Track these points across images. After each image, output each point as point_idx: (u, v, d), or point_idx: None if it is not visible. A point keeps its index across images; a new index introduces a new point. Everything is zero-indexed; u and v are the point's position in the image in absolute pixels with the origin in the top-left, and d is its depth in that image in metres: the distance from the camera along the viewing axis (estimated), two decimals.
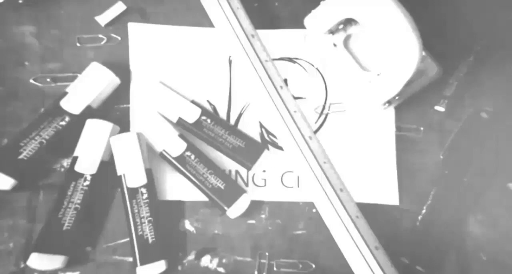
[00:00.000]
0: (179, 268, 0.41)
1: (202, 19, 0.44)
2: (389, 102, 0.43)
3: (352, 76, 0.43)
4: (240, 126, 0.44)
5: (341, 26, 0.43)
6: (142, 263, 0.39)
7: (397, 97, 0.43)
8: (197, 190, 0.42)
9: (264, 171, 0.43)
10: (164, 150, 0.42)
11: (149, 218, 0.39)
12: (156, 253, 0.39)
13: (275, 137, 0.44)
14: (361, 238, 0.40)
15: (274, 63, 0.43)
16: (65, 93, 0.41)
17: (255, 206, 0.42)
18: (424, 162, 0.43)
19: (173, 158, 0.42)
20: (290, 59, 0.45)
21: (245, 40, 0.42)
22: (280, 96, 0.42)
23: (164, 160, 0.42)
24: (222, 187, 0.42)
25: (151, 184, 0.40)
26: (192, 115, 0.42)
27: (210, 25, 0.44)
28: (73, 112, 0.40)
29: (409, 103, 0.44)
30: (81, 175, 0.39)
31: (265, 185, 0.43)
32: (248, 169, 0.43)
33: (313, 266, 0.42)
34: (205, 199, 0.42)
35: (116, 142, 0.40)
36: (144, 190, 0.40)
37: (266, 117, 0.44)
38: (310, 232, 0.42)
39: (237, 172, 0.43)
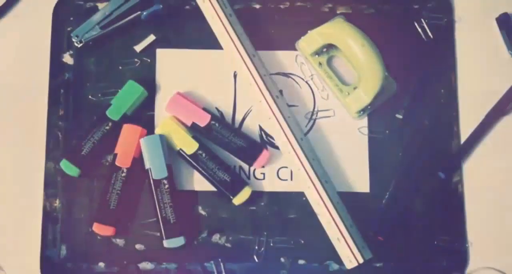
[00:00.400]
0: (195, 243, 0.47)
1: (213, 44, 0.49)
2: (363, 110, 0.49)
3: (334, 89, 0.49)
4: (243, 129, 0.49)
5: (324, 49, 0.49)
6: (166, 238, 0.45)
7: (369, 107, 0.48)
8: (208, 182, 0.47)
9: (263, 166, 0.48)
10: (180, 149, 0.47)
11: (170, 204, 0.45)
12: (177, 230, 0.45)
13: (272, 138, 0.48)
14: (340, 219, 0.46)
15: (271, 77, 0.49)
16: (110, 105, 0.48)
17: (256, 196, 0.47)
18: (388, 158, 0.48)
19: (188, 156, 0.47)
20: (285, 74, 0.49)
21: (247, 59, 0.47)
22: (277, 104, 0.47)
23: (180, 157, 0.47)
24: (228, 180, 0.46)
25: (171, 177, 0.45)
26: (203, 120, 0.47)
27: (219, 48, 0.49)
28: (114, 119, 0.47)
29: (377, 112, 0.49)
30: (119, 168, 0.46)
31: (264, 178, 0.48)
32: (250, 165, 0.48)
33: (302, 242, 0.47)
34: (214, 189, 0.47)
35: (144, 142, 0.46)
36: (165, 181, 0.45)
37: (265, 122, 0.48)
38: (300, 216, 0.47)
39: (240, 167, 0.48)
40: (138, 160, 0.47)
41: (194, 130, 0.48)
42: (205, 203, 0.47)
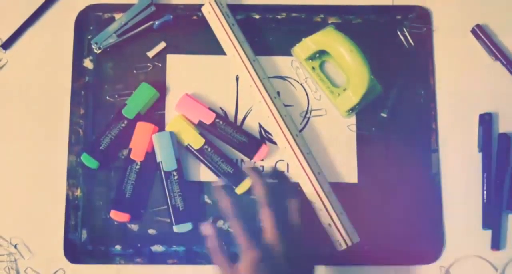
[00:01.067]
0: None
1: (217, 50, 0.52)
2: (352, 110, 0.51)
3: (326, 91, 0.52)
4: (244, 127, 0.51)
5: (317, 55, 0.52)
6: (176, 223, 0.48)
7: (357, 106, 0.51)
8: (213, 173, 0.50)
9: (262, 159, 0.50)
10: (188, 144, 0.49)
11: (179, 193, 0.48)
12: (185, 217, 0.48)
13: (270, 134, 0.51)
14: (331, 207, 0.48)
15: (270, 80, 0.51)
16: (125, 104, 0.50)
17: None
18: (375, 152, 0.51)
19: (195, 150, 0.49)
20: (281, 77, 0.52)
21: (248, 63, 0.50)
22: (275, 104, 0.49)
23: (188, 151, 0.50)
24: (231, 172, 0.49)
25: (180, 169, 0.48)
26: (209, 118, 0.50)
27: (223, 53, 0.51)
28: (129, 117, 0.50)
29: (364, 112, 0.52)
30: (134, 161, 0.49)
31: (263, 170, 0.50)
32: (250, 158, 0.50)
33: None
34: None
35: (156, 138, 0.48)
36: (175, 173, 0.48)
37: (264, 120, 0.50)
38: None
39: (242, 160, 0.50)
40: (150, 154, 0.50)
41: (200, 127, 0.50)
42: (211, 193, 0.50)
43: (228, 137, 0.50)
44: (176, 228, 0.48)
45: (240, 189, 0.49)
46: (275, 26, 0.53)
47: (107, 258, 0.50)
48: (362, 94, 0.49)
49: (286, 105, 0.51)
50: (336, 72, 0.52)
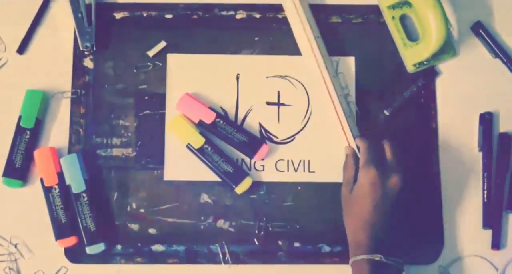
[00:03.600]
0: (202, 227, 0.49)
1: (218, 49, 0.51)
2: (419, 64, 0.50)
3: (399, 41, 0.51)
4: (245, 126, 0.51)
5: (400, 5, 0.51)
6: (88, 244, 0.47)
7: (425, 63, 0.50)
8: (213, 173, 0.49)
9: (262, 159, 0.50)
10: (189, 143, 0.49)
11: (90, 214, 0.47)
12: (97, 238, 0.47)
13: (271, 133, 0.51)
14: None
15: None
16: (20, 117, 0.48)
17: (256, 185, 0.49)
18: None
19: (196, 149, 0.49)
20: (282, 77, 0.52)
21: (321, 59, 0.50)
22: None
23: (189, 150, 0.50)
24: (231, 171, 0.48)
25: (90, 190, 0.47)
26: (209, 117, 0.49)
27: (223, 52, 0.51)
28: (29, 127, 0.48)
29: (365, 110, 0.51)
30: (50, 187, 0.47)
31: (263, 170, 0.50)
32: (251, 158, 0.50)
33: (298, 226, 0.49)
34: (219, 179, 0.49)
35: (64, 162, 0.48)
36: (84, 195, 0.47)
37: (265, 120, 0.50)
38: (296, 204, 0.49)
39: (242, 160, 0.50)
40: (62, 174, 0.49)
41: (201, 127, 0.50)
42: (211, 192, 0.50)
43: (229, 136, 0.49)
44: (88, 250, 0.48)
45: (240, 189, 0.49)
46: (275, 25, 0.52)
47: (107, 258, 0.49)
48: (434, 50, 0.49)
49: (285, 105, 0.51)
50: (413, 28, 0.52)
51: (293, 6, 0.50)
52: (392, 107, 0.51)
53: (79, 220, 0.48)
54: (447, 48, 0.52)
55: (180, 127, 0.49)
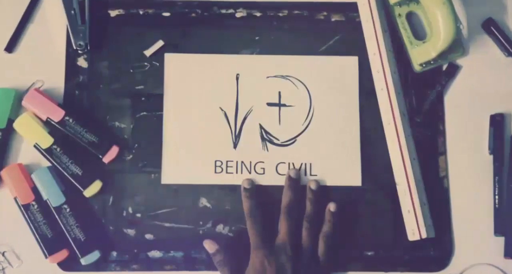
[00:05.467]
0: (200, 232, 0.47)
1: (216, 49, 0.50)
2: (426, 64, 0.48)
3: (405, 40, 0.49)
4: (244, 128, 0.49)
5: (407, 2, 0.50)
6: (82, 256, 0.45)
7: (432, 62, 0.48)
8: (213, 176, 0.47)
9: (263, 161, 0.49)
10: (36, 143, 0.46)
11: (76, 225, 0.45)
12: (90, 246, 0.45)
13: (271, 135, 0.49)
14: (416, 194, 0.45)
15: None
16: None
17: (256, 189, 0.47)
18: (379, 154, 0.49)
19: (43, 150, 0.46)
20: (283, 77, 0.50)
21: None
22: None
23: (37, 150, 0.46)
24: (80, 173, 0.46)
25: (70, 200, 0.45)
26: (57, 115, 0.47)
27: (222, 52, 0.50)
28: (1, 127, 0.46)
29: (368, 110, 0.49)
30: (28, 205, 0.44)
31: (263, 173, 0.48)
32: (101, 158, 0.47)
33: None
34: (219, 182, 0.47)
35: (36, 177, 0.46)
36: (66, 206, 0.45)
37: (266, 120, 0.49)
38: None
39: (242, 162, 0.48)
40: (37, 188, 0.47)
41: (49, 125, 0.48)
42: (210, 196, 0.48)
43: (78, 136, 0.48)
44: (83, 261, 0.46)
45: (88, 192, 0.47)
46: (276, 24, 0.51)
47: (102, 265, 0.47)
48: (442, 49, 0.47)
49: (286, 106, 0.50)
50: (420, 26, 0.50)
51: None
52: (422, 113, 0.49)
53: (66, 233, 0.46)
54: (456, 47, 0.50)
55: (27, 126, 0.47)
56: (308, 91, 0.50)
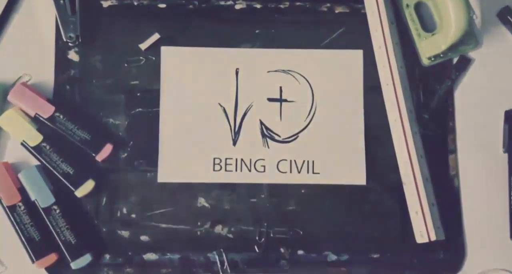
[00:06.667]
0: (198, 233, 0.46)
1: (215, 42, 0.48)
2: (435, 57, 0.46)
3: (413, 32, 0.47)
4: (244, 124, 0.48)
5: None
6: (72, 260, 0.43)
7: (441, 55, 0.46)
8: (212, 174, 0.46)
9: (263, 159, 0.47)
10: (24, 141, 0.45)
11: (67, 226, 0.43)
12: (81, 250, 0.42)
13: (272, 131, 0.47)
14: (424, 194, 0.43)
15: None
16: None
17: (256, 188, 0.46)
18: (384, 152, 0.47)
19: (31, 148, 0.44)
20: (284, 71, 0.49)
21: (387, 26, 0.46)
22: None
23: (24, 148, 0.45)
24: (71, 172, 0.44)
25: (60, 200, 0.43)
26: (47, 111, 0.45)
27: (222, 45, 0.48)
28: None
29: (373, 108, 0.47)
30: (14, 206, 0.42)
31: (264, 171, 0.47)
32: (94, 157, 0.45)
33: (301, 233, 0.46)
34: (218, 181, 0.46)
35: (23, 177, 0.44)
36: (55, 207, 0.43)
37: (266, 117, 0.47)
38: (299, 208, 0.46)
39: (242, 160, 0.47)
40: (24, 188, 0.45)
41: (38, 122, 0.46)
42: (209, 195, 0.46)
43: (69, 133, 0.46)
44: (74, 265, 0.44)
45: (80, 192, 0.45)
46: (277, 16, 0.49)
47: (93, 269, 0.45)
48: (453, 41, 0.45)
49: (288, 101, 0.48)
50: (429, 17, 0.48)
51: None
52: (430, 109, 0.47)
53: (55, 235, 0.44)
54: (468, 38, 0.47)
55: (13, 122, 0.45)
56: (310, 86, 0.49)
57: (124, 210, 0.46)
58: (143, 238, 0.46)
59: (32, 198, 0.45)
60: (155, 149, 0.47)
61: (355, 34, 0.49)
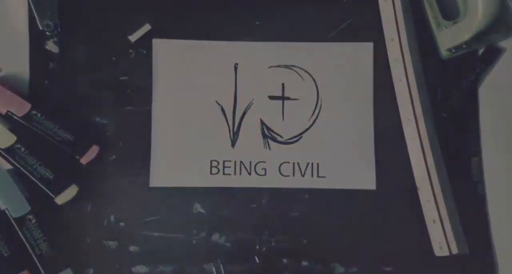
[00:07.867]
0: (193, 242, 0.43)
1: (213, 34, 0.45)
2: (456, 49, 0.43)
3: (432, 20, 0.43)
4: (243, 124, 0.46)
5: None
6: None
7: (464, 46, 0.42)
8: (209, 177, 0.44)
9: (264, 161, 0.45)
10: None
11: (43, 238, 0.40)
12: (59, 264, 0.39)
13: (273, 131, 0.45)
14: (442, 200, 0.40)
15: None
16: None
17: (257, 192, 0.44)
18: (395, 154, 0.44)
19: (2, 150, 0.41)
20: (287, 66, 0.47)
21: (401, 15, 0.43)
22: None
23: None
24: (51, 177, 0.41)
25: (36, 208, 0.40)
26: (22, 109, 0.42)
27: (219, 38, 0.46)
28: None
29: (382, 107, 0.45)
30: None
31: (265, 174, 0.44)
32: (78, 160, 0.42)
33: (305, 241, 0.44)
34: (216, 185, 0.44)
35: None
36: (31, 217, 0.40)
37: (267, 115, 0.45)
38: (303, 214, 0.44)
39: (241, 162, 0.45)
40: None
41: (10, 120, 0.42)
42: (205, 201, 0.44)
43: (48, 134, 0.42)
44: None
45: (61, 199, 0.42)
46: (279, 6, 0.46)
47: None
48: (479, 30, 0.41)
49: (291, 99, 0.46)
50: (451, 4, 0.44)
51: None
52: (449, 107, 0.44)
53: (29, 248, 0.40)
54: (499, 26, 0.43)
55: None
56: (315, 82, 0.46)
57: (112, 218, 0.44)
58: (133, 248, 0.43)
59: (2, 207, 0.41)
60: (147, 151, 0.44)
61: (364, 25, 0.46)
